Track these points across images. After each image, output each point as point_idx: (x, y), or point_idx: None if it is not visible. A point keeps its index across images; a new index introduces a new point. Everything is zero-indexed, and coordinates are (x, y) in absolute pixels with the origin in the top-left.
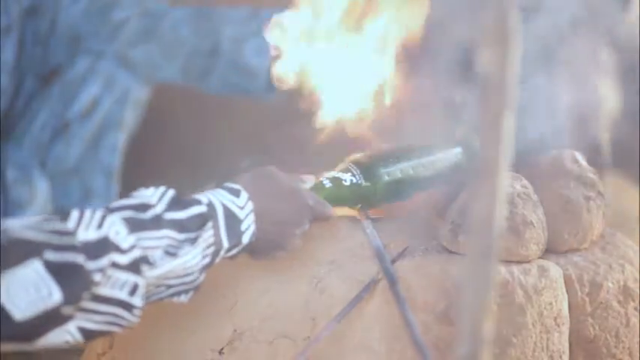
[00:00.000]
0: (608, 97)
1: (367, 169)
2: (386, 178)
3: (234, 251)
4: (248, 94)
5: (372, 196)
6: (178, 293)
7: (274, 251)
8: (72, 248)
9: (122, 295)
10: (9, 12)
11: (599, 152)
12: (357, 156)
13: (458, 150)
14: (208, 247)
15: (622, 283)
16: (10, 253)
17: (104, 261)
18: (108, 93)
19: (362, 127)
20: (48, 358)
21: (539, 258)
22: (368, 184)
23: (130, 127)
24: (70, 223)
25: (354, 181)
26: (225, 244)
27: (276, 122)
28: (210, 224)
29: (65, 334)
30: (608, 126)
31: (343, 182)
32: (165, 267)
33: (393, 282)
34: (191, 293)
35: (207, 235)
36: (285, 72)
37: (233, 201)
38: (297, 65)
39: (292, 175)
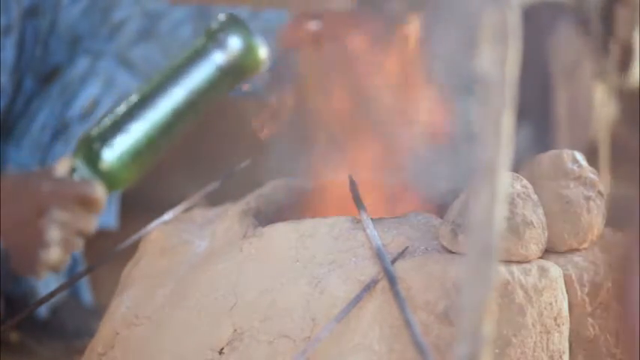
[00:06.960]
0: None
1: (88, 154)
2: (110, 160)
3: None
4: (248, 94)
5: (109, 188)
6: None
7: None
8: None
9: None
10: (9, 12)
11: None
12: (84, 134)
13: (216, 52)
14: None
15: (622, 283)
16: None
17: None
18: (108, 93)
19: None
20: (48, 357)
21: (539, 258)
22: (95, 176)
23: None
24: None
25: (81, 176)
26: None
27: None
28: None
29: None
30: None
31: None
32: None
33: (393, 282)
34: None
35: None
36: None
37: None
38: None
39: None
